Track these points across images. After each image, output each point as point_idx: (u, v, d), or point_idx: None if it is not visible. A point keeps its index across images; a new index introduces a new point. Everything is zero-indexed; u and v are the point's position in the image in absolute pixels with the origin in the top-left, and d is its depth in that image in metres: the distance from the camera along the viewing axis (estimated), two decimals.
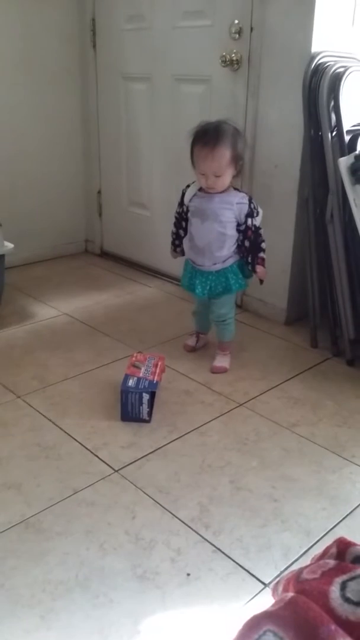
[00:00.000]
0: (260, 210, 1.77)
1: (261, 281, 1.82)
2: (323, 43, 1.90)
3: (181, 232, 1.87)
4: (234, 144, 1.65)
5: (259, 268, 1.77)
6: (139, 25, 2.45)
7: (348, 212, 1.83)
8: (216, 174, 1.66)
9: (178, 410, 1.66)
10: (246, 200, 1.73)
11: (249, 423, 1.61)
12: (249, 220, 1.74)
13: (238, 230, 1.76)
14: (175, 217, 1.87)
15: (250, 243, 1.76)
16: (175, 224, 1.89)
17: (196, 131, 1.68)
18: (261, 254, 1.77)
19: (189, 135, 1.69)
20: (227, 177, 1.68)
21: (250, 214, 1.73)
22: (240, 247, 1.79)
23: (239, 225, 1.75)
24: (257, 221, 1.76)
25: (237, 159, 1.67)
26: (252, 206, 1.74)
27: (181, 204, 1.83)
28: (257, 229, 1.76)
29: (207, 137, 1.64)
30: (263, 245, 1.77)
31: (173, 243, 1.93)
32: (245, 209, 1.73)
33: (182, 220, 1.85)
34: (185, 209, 1.81)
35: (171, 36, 2.33)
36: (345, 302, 1.90)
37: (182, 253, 1.93)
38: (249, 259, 1.78)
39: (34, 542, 1.18)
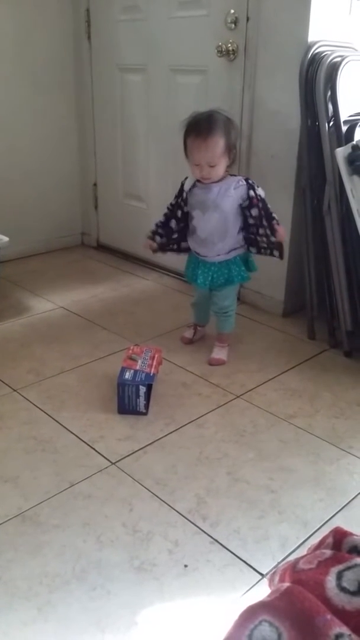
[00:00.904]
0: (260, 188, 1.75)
1: (281, 254, 1.75)
2: (320, 32, 1.88)
3: (173, 222, 1.82)
4: (227, 133, 1.63)
5: (280, 229, 1.71)
6: (134, 16, 2.43)
7: (345, 203, 1.82)
8: (210, 164, 1.65)
9: (175, 403, 1.65)
10: (243, 182, 1.72)
11: (246, 415, 1.61)
12: (251, 192, 1.71)
13: (245, 211, 1.73)
14: (168, 209, 1.84)
15: (259, 211, 1.71)
16: (166, 215, 1.84)
17: (188, 122, 1.66)
18: (275, 216, 1.73)
19: (181, 127, 1.67)
20: (221, 167, 1.67)
21: (251, 187, 1.72)
22: (248, 226, 1.75)
23: (243, 206, 1.73)
24: (261, 192, 1.73)
25: (230, 148, 1.66)
26: (249, 182, 1.72)
27: (179, 194, 1.81)
28: (263, 199, 1.72)
29: (199, 127, 1.63)
30: (274, 214, 1.73)
31: (155, 232, 1.85)
32: (244, 188, 1.71)
33: (177, 209, 1.81)
34: (183, 198, 1.79)
35: (167, 26, 2.31)
36: (343, 294, 1.90)
37: (163, 248, 1.86)
38: (261, 231, 1.73)
39: (30, 535, 1.18)
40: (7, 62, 2.54)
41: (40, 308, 2.28)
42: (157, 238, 1.86)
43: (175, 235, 1.85)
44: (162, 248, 1.87)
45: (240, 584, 1.08)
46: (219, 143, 1.62)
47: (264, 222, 1.72)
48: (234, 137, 1.66)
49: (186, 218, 1.81)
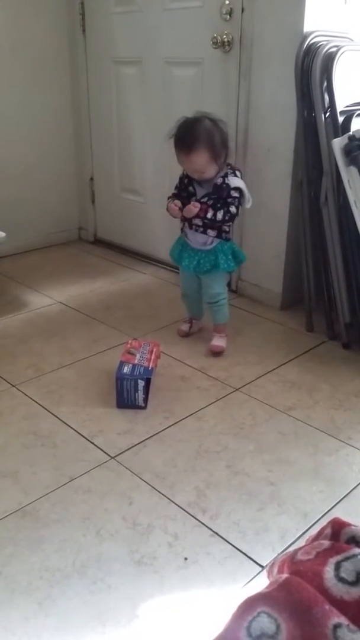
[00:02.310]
0: (239, 180, 1.73)
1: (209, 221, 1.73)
2: (315, 22, 1.87)
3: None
4: (210, 143, 1.64)
5: (191, 205, 1.70)
6: (129, 8, 2.41)
7: (342, 194, 1.81)
8: (199, 171, 1.69)
9: (174, 396, 1.65)
10: (223, 173, 1.72)
11: (245, 407, 1.61)
12: (219, 179, 1.71)
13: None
14: (169, 198, 1.82)
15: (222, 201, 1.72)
16: (169, 197, 1.81)
17: (175, 134, 1.68)
18: (210, 204, 1.70)
19: (169, 135, 1.69)
20: (212, 169, 1.70)
21: (225, 175, 1.71)
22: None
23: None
24: (231, 181, 1.71)
25: (218, 153, 1.67)
26: (227, 171, 1.72)
27: (179, 185, 1.81)
28: (230, 187, 1.71)
29: (183, 142, 1.67)
30: (230, 207, 1.71)
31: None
32: (219, 179, 1.71)
33: (179, 195, 1.80)
34: (184, 182, 1.78)
35: (161, 18, 2.29)
36: (341, 286, 1.89)
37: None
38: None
39: (30, 529, 1.18)
40: (1, 56, 2.52)
41: (38, 303, 2.28)
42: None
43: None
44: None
45: (241, 576, 1.09)
46: (202, 156, 1.65)
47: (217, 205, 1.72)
48: (220, 141, 1.67)
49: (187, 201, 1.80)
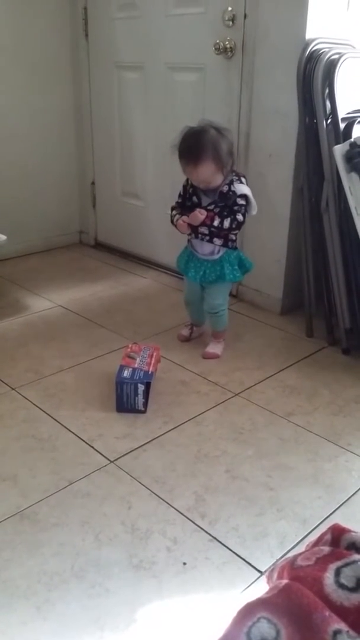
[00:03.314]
0: (245, 186, 1.73)
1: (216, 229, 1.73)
2: (317, 29, 1.88)
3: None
4: (216, 154, 1.63)
5: (197, 211, 1.69)
6: (131, 14, 2.42)
7: (343, 201, 1.81)
8: (206, 182, 1.69)
9: (174, 401, 1.65)
10: (228, 181, 1.72)
11: (245, 413, 1.61)
12: (225, 187, 1.71)
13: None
14: (172, 207, 1.83)
15: (227, 204, 1.72)
16: (174, 207, 1.82)
17: (179, 145, 1.67)
18: (217, 212, 1.70)
19: (173, 146, 1.68)
20: (217, 180, 1.69)
21: (231, 182, 1.71)
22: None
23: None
24: (237, 189, 1.71)
25: (224, 162, 1.66)
26: (233, 178, 1.72)
27: (183, 194, 1.81)
28: (236, 195, 1.71)
29: (189, 154, 1.65)
30: (237, 215, 1.71)
31: (174, 216, 1.79)
32: (225, 187, 1.71)
33: (183, 204, 1.80)
34: (189, 191, 1.78)
35: (164, 24, 2.31)
36: (341, 291, 1.90)
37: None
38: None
39: (29, 533, 1.18)
40: (5, 60, 2.53)
41: (39, 306, 2.28)
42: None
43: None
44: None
45: (239, 582, 1.08)
46: (209, 167, 1.64)
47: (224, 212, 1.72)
48: (226, 150, 1.66)
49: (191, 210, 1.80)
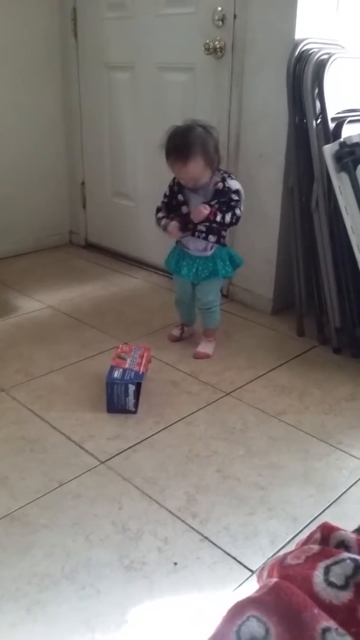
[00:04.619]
0: (237, 182, 1.75)
1: (214, 238, 1.75)
2: (307, 30, 1.88)
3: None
4: (204, 151, 1.65)
5: (201, 207, 1.68)
6: (121, 14, 2.42)
7: (333, 200, 1.82)
8: (194, 179, 1.69)
9: (164, 401, 1.65)
10: (219, 178, 1.73)
11: (236, 412, 1.61)
12: (219, 184, 1.72)
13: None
14: (158, 208, 1.83)
15: (222, 200, 1.72)
16: (159, 209, 1.82)
17: (167, 143, 1.68)
18: (219, 211, 1.70)
19: (160, 145, 1.68)
20: (206, 177, 1.70)
21: (224, 179, 1.73)
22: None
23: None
24: (231, 184, 1.73)
25: (212, 158, 1.67)
26: (224, 175, 1.74)
27: (169, 193, 1.81)
28: (231, 190, 1.72)
29: (177, 151, 1.65)
30: (234, 210, 1.72)
31: (161, 219, 1.80)
32: (220, 184, 1.72)
33: (169, 204, 1.81)
34: (174, 191, 1.79)
35: (154, 24, 2.30)
36: (331, 291, 1.90)
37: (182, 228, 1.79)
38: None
39: (19, 535, 1.17)
40: None
41: (29, 307, 2.27)
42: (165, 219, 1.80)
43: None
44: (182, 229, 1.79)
45: (230, 581, 1.08)
46: (198, 163, 1.65)
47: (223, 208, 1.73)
48: (213, 147, 1.68)
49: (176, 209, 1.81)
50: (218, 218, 1.72)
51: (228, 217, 1.73)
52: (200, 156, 1.64)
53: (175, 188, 1.79)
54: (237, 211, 1.74)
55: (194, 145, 1.64)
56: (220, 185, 1.72)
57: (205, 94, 2.19)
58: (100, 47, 2.55)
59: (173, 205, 1.79)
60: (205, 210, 1.69)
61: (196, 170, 1.66)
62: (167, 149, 1.68)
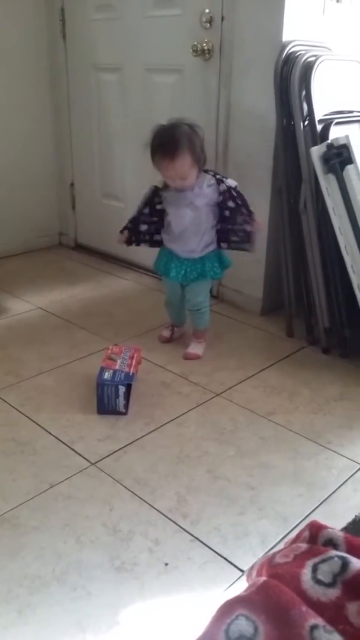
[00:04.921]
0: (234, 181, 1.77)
1: (252, 244, 1.79)
2: (294, 32, 1.90)
3: (143, 223, 1.84)
4: (191, 147, 1.65)
5: (258, 220, 1.76)
6: (109, 15, 2.42)
7: (321, 201, 1.83)
8: (181, 178, 1.68)
9: (155, 402, 1.65)
10: (213, 181, 1.74)
11: (226, 413, 1.61)
12: (222, 186, 1.74)
13: (221, 205, 1.75)
14: (136, 213, 1.85)
15: (234, 201, 1.74)
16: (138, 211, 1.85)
17: (153, 142, 1.67)
18: (250, 208, 1.76)
19: (146, 144, 1.68)
20: (193, 175, 1.70)
21: (220, 180, 1.74)
22: (224, 219, 1.77)
23: (218, 201, 1.75)
24: (231, 182, 1.75)
25: (198, 157, 1.68)
26: (218, 177, 1.75)
27: (147, 202, 1.82)
28: (233, 188, 1.74)
29: (165, 148, 1.65)
30: (247, 202, 1.76)
31: (126, 227, 1.87)
32: (215, 187, 1.74)
33: (146, 207, 1.83)
34: (158, 195, 1.80)
35: (142, 26, 2.31)
36: (320, 291, 1.92)
37: (136, 241, 1.88)
38: (239, 219, 1.76)
39: (9, 537, 1.17)
40: None
41: (18, 309, 2.26)
42: (127, 233, 1.87)
43: (145, 227, 1.85)
44: (136, 241, 1.88)
45: (221, 581, 1.09)
46: (186, 160, 1.65)
47: (243, 210, 1.75)
48: (199, 145, 1.68)
49: (159, 214, 1.82)
50: (251, 225, 1.77)
51: (249, 205, 1.76)
52: (188, 152, 1.64)
53: (156, 200, 1.79)
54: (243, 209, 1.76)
55: (181, 141, 1.63)
56: (222, 187, 1.73)
57: (194, 95, 2.20)
58: (89, 48, 2.55)
59: (146, 214, 1.81)
60: (260, 226, 1.77)
61: (184, 167, 1.65)
62: (153, 147, 1.67)
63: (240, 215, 1.75)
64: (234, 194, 1.74)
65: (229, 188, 1.74)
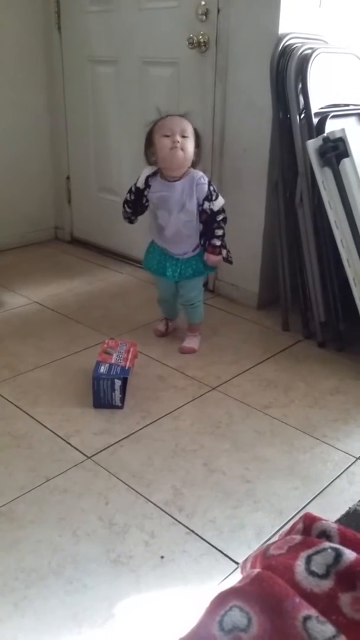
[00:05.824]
0: (220, 197, 1.75)
1: (227, 261, 1.82)
2: (290, 24, 1.89)
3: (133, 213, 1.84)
4: (195, 130, 1.70)
5: (207, 256, 1.78)
6: (105, 7, 2.40)
7: (317, 195, 1.83)
8: (183, 134, 1.66)
9: (151, 396, 1.65)
10: (205, 181, 1.73)
11: (222, 406, 1.62)
12: (205, 204, 1.73)
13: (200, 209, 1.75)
14: (126, 201, 1.83)
15: (204, 227, 1.76)
16: (127, 205, 1.84)
17: (159, 120, 1.69)
18: (214, 241, 1.75)
19: (149, 124, 1.70)
20: (190, 147, 1.68)
21: (208, 197, 1.72)
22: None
23: (198, 206, 1.74)
24: (215, 205, 1.73)
25: (197, 145, 1.70)
26: (210, 189, 1.73)
27: (134, 191, 1.80)
28: (214, 213, 1.74)
29: (175, 125, 1.66)
30: (218, 232, 1.75)
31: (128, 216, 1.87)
32: (204, 190, 1.72)
33: (134, 203, 1.81)
34: (144, 195, 1.78)
35: (137, 18, 2.29)
36: (316, 285, 1.92)
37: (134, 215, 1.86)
38: (204, 243, 1.79)
39: (6, 531, 1.17)
40: None
41: (14, 303, 2.26)
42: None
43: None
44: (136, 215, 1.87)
45: (217, 573, 1.09)
46: (190, 126, 1.68)
47: (203, 240, 1.78)
48: (199, 140, 1.72)
49: (143, 209, 1.82)
50: (223, 253, 1.78)
51: (221, 234, 1.76)
52: (192, 129, 1.68)
53: (146, 192, 1.76)
54: (222, 231, 1.76)
55: (190, 125, 1.69)
56: (207, 208, 1.72)
57: (190, 88, 2.19)
58: (84, 40, 2.54)
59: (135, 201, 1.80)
60: (216, 258, 1.77)
61: (188, 128, 1.66)
62: (162, 121, 1.68)
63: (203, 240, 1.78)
64: (207, 219, 1.74)
65: (210, 211, 1.73)
